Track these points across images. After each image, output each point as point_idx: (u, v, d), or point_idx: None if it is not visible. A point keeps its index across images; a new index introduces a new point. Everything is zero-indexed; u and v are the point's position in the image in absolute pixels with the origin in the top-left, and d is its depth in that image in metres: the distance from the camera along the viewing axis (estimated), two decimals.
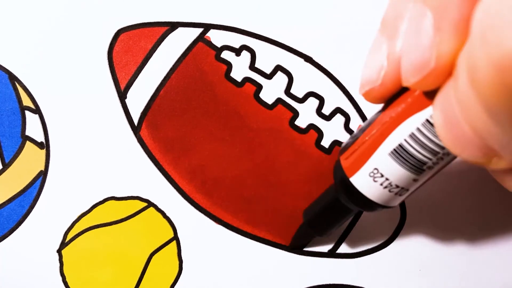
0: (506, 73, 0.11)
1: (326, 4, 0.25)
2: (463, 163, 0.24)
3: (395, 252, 0.23)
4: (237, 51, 0.24)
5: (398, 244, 0.24)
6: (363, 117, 0.24)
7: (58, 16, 0.24)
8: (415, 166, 0.17)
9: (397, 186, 0.17)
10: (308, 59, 0.24)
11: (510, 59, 0.11)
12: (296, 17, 0.24)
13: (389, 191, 0.18)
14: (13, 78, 0.24)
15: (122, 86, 0.24)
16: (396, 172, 0.17)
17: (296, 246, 0.23)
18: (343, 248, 0.24)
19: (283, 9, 0.25)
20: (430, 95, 0.15)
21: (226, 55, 0.24)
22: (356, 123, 0.24)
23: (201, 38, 0.24)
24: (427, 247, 0.23)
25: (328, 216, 0.21)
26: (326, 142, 0.24)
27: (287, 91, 0.24)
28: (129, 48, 0.24)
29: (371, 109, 0.24)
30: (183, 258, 0.24)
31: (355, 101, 0.24)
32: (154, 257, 0.23)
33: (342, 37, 0.24)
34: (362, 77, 0.17)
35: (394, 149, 0.17)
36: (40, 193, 0.24)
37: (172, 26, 0.24)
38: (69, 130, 0.24)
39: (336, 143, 0.24)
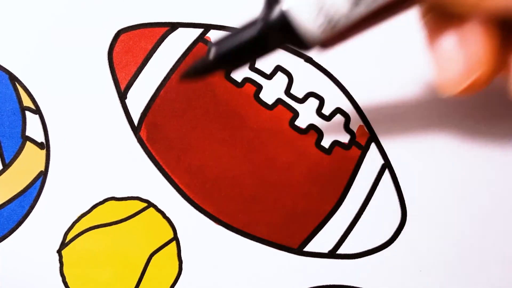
0: None
1: None
2: (464, 164, 0.24)
3: (396, 253, 0.23)
4: None
5: (399, 245, 0.23)
6: (363, 117, 0.24)
7: (58, 17, 0.24)
8: None
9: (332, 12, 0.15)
10: (308, 59, 0.24)
11: None
12: None
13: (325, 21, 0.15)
14: (13, 79, 0.24)
15: (122, 87, 0.24)
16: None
17: (188, 78, 0.19)
18: (344, 249, 0.24)
19: None
20: None
21: None
22: (356, 123, 0.24)
23: (201, 38, 0.24)
24: (427, 248, 0.23)
25: (244, 54, 0.17)
26: (326, 143, 0.24)
27: (287, 92, 0.24)
28: (129, 48, 0.24)
29: (371, 109, 0.24)
30: (183, 258, 0.24)
31: (355, 101, 0.24)
32: (154, 258, 0.23)
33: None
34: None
35: None
36: (41, 193, 0.24)
37: (172, 26, 0.24)
38: (69, 131, 0.24)
39: (336, 143, 0.24)
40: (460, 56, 0.15)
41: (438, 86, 0.16)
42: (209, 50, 0.17)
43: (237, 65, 0.18)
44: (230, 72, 0.20)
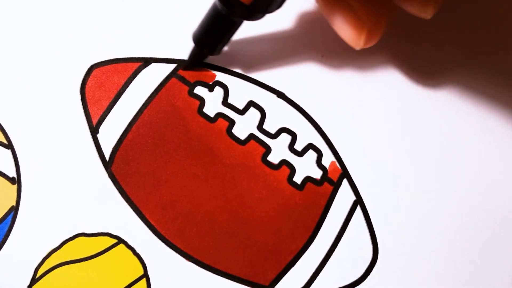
0: None
1: (298, 41, 0.25)
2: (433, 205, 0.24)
3: None
4: (210, 87, 0.24)
5: (371, 282, 0.23)
6: (335, 153, 0.24)
7: (31, 51, 0.25)
8: None
9: None
10: (280, 95, 0.24)
11: None
12: (268, 54, 0.25)
13: None
14: None
15: (94, 122, 0.24)
16: None
17: (191, 67, 0.24)
18: (315, 286, 0.23)
19: (256, 46, 0.25)
20: None
21: (199, 90, 0.24)
22: (328, 159, 0.24)
23: (174, 73, 0.24)
24: (399, 284, 0.23)
25: (215, 32, 0.22)
26: (298, 178, 0.24)
27: (260, 127, 0.24)
28: (102, 83, 0.24)
29: (343, 145, 0.24)
30: None
31: (327, 137, 0.24)
32: None
33: (314, 73, 0.24)
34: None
35: None
36: (12, 228, 0.24)
37: (146, 61, 0.24)
38: (41, 166, 0.24)
39: (308, 179, 0.24)
40: (348, 26, 0.21)
41: (348, 43, 0.21)
42: (193, 39, 0.23)
43: (213, 42, 0.22)
44: (216, 52, 0.23)
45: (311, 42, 0.25)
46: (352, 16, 0.21)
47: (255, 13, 0.20)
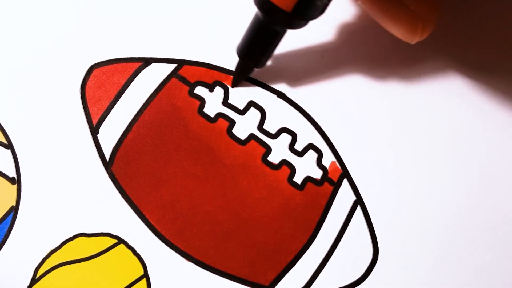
0: None
1: (298, 42, 0.25)
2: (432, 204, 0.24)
3: None
4: (211, 87, 0.24)
5: (371, 282, 0.23)
6: (335, 153, 0.24)
7: (31, 51, 0.25)
8: None
9: None
10: (281, 95, 0.24)
11: None
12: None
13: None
14: None
15: (94, 122, 0.24)
16: None
17: (238, 81, 0.24)
18: (316, 286, 0.23)
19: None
20: None
21: (200, 90, 0.24)
22: (328, 159, 0.24)
23: (174, 73, 0.24)
24: (400, 284, 0.23)
25: (258, 43, 0.22)
26: (298, 178, 0.24)
27: (260, 127, 0.24)
28: (102, 83, 0.24)
29: (343, 145, 0.24)
30: None
31: (327, 137, 0.24)
32: None
33: (315, 74, 0.24)
34: None
35: None
36: (11, 228, 0.24)
37: (146, 61, 0.24)
38: (41, 166, 0.24)
39: (308, 179, 0.24)
40: (402, 18, 0.20)
41: (402, 39, 0.21)
42: (237, 54, 0.23)
43: (258, 54, 0.22)
44: (260, 64, 0.23)
45: (310, 41, 0.25)
46: (406, 12, 0.20)
47: (298, 21, 0.20)
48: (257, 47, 0.22)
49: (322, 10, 0.20)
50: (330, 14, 0.22)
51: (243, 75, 0.24)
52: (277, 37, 0.22)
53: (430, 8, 0.20)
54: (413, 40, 0.21)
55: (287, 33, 0.22)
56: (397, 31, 0.21)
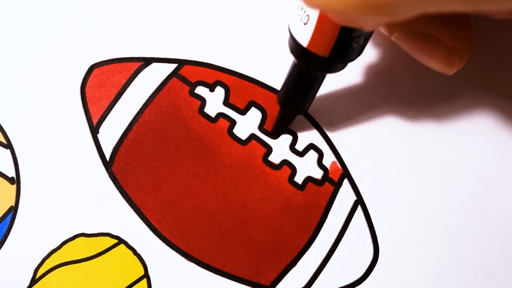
0: None
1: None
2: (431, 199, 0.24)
3: None
4: (211, 87, 0.24)
5: (372, 282, 0.23)
6: (336, 153, 0.24)
7: (31, 51, 0.24)
8: None
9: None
10: None
11: None
12: (269, 53, 0.25)
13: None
14: None
15: (95, 121, 0.24)
16: None
17: (279, 131, 0.24)
18: (316, 286, 0.23)
19: (257, 46, 0.25)
20: None
21: (200, 90, 0.24)
22: (329, 159, 0.24)
23: (175, 73, 0.24)
24: (400, 284, 0.23)
25: (298, 91, 0.22)
26: (299, 178, 0.24)
27: (261, 127, 0.24)
28: (102, 83, 0.24)
29: (344, 145, 0.24)
30: None
31: (328, 137, 0.24)
32: None
33: None
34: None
35: None
36: (11, 228, 0.24)
37: (146, 61, 0.24)
38: (40, 165, 0.24)
39: (309, 179, 0.24)
40: (438, 53, 0.20)
41: (440, 70, 0.21)
42: (278, 103, 0.23)
43: (299, 101, 0.22)
44: (303, 111, 0.23)
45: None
46: (443, 49, 0.20)
47: (336, 64, 0.20)
48: (297, 95, 0.22)
49: (359, 52, 0.19)
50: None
51: (285, 123, 0.24)
52: (317, 83, 0.21)
53: (465, 39, 0.20)
54: (449, 73, 0.20)
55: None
56: (433, 66, 0.20)
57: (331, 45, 0.18)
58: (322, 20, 0.18)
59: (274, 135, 0.24)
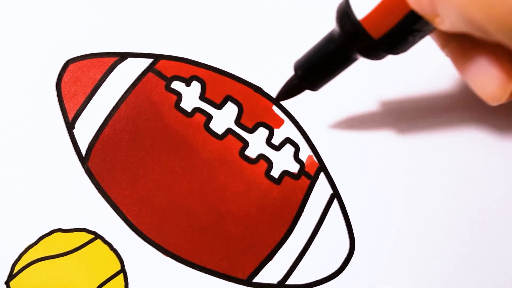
0: None
1: (275, 36, 0.25)
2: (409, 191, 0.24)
3: (345, 282, 0.23)
4: (187, 82, 0.24)
5: (348, 275, 0.23)
6: (312, 147, 0.24)
7: (6, 46, 0.24)
8: None
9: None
10: (258, 89, 0.24)
11: None
12: (245, 48, 0.25)
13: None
14: None
15: (70, 117, 0.24)
16: None
17: (283, 98, 0.22)
18: (293, 279, 0.23)
19: (233, 41, 0.25)
20: None
21: (176, 85, 0.24)
22: (305, 153, 0.24)
23: (151, 68, 0.24)
24: (376, 277, 0.23)
25: (324, 66, 0.19)
26: (275, 172, 0.24)
27: (237, 121, 0.24)
28: (78, 78, 0.24)
29: (320, 140, 0.24)
30: None
31: (304, 131, 0.24)
32: None
33: (292, 68, 0.24)
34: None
35: None
36: None
37: (122, 56, 0.24)
38: (16, 161, 0.24)
39: (285, 173, 0.24)
40: (491, 76, 0.17)
41: (483, 99, 0.18)
42: (295, 70, 0.20)
43: (323, 79, 0.20)
44: (316, 88, 0.21)
45: (289, 35, 0.25)
46: (499, 69, 0.17)
47: (380, 51, 0.18)
48: (321, 70, 0.19)
49: (409, 47, 0.18)
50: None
51: (292, 94, 0.22)
52: (347, 64, 0.19)
53: None
54: (497, 102, 0.18)
55: None
56: (480, 90, 0.18)
57: (387, 28, 0.16)
58: None
59: (277, 100, 0.22)
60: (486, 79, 0.17)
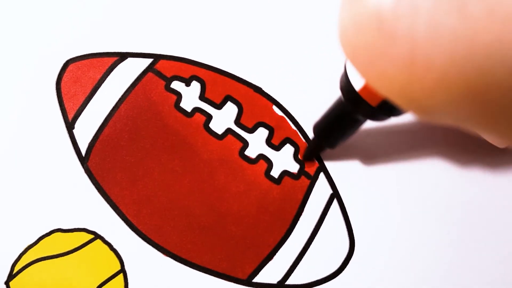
0: None
1: (275, 36, 0.25)
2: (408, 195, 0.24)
3: (345, 282, 0.23)
4: (187, 82, 0.24)
5: (348, 274, 0.23)
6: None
7: (6, 46, 0.24)
8: None
9: None
10: (257, 89, 0.24)
11: None
12: (245, 48, 0.25)
13: None
14: None
15: (70, 117, 0.24)
16: None
17: (309, 158, 0.24)
18: (293, 279, 0.23)
19: (233, 41, 0.25)
20: None
21: (176, 85, 0.24)
22: None
23: (150, 68, 0.24)
24: (376, 277, 0.23)
25: (337, 128, 0.21)
26: (275, 172, 0.24)
27: (237, 121, 0.24)
28: (77, 78, 0.24)
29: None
30: None
31: (304, 131, 0.24)
32: None
33: (292, 67, 0.24)
34: None
35: None
36: None
37: (122, 56, 0.24)
38: (16, 161, 0.24)
39: (285, 173, 0.24)
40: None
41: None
42: (314, 133, 0.23)
43: (334, 137, 0.22)
44: (335, 147, 0.23)
45: (288, 35, 0.24)
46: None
47: (381, 115, 0.19)
48: (335, 132, 0.22)
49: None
50: None
51: (315, 154, 0.24)
52: (357, 125, 0.21)
53: None
54: (505, 145, 0.18)
55: None
56: (487, 138, 0.18)
57: (382, 97, 0.18)
58: None
59: (305, 161, 0.24)
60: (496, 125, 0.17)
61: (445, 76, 0.13)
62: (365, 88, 0.18)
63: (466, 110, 0.13)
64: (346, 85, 0.19)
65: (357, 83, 0.18)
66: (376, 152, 0.24)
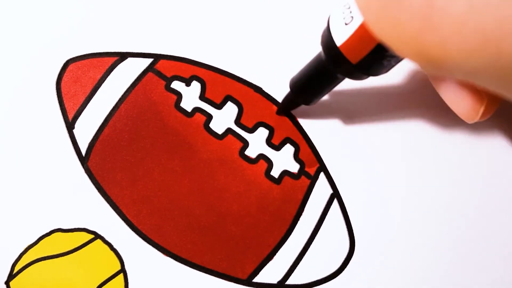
0: None
1: (275, 36, 0.25)
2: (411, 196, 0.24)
3: (345, 282, 0.23)
4: (187, 81, 0.24)
5: (348, 274, 0.23)
6: (312, 146, 0.24)
7: (6, 46, 0.24)
8: None
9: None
10: (257, 89, 0.24)
11: None
12: (245, 48, 0.25)
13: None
14: None
15: (70, 117, 0.24)
16: None
17: (282, 113, 0.24)
18: (293, 279, 0.23)
19: (233, 41, 0.25)
20: None
21: (176, 85, 0.24)
22: (305, 153, 0.24)
23: (150, 68, 0.24)
24: (376, 277, 0.23)
25: (314, 84, 0.21)
26: (275, 172, 0.24)
27: (237, 121, 0.24)
28: (77, 78, 0.24)
29: (320, 139, 0.24)
30: None
31: (304, 131, 0.24)
32: None
33: (292, 68, 0.24)
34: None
35: None
36: None
37: (122, 56, 0.24)
38: (16, 161, 0.24)
39: (285, 173, 0.24)
40: (463, 98, 0.18)
41: (459, 116, 0.19)
42: (290, 87, 0.22)
43: (311, 94, 0.22)
44: (310, 104, 0.23)
45: (289, 36, 0.25)
46: (471, 88, 0.18)
47: (360, 74, 0.19)
48: (312, 88, 0.22)
49: (386, 70, 0.19)
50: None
51: (289, 109, 0.24)
52: (335, 82, 0.21)
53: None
54: (471, 120, 0.19)
55: None
56: (455, 107, 0.19)
57: (362, 54, 0.18)
58: (363, 28, 0.17)
59: (279, 114, 0.24)
60: (458, 101, 0.19)
61: (462, 25, 0.12)
62: (346, 43, 0.18)
63: (480, 62, 0.13)
64: (327, 40, 0.19)
65: (339, 39, 0.18)
66: (376, 152, 0.24)
